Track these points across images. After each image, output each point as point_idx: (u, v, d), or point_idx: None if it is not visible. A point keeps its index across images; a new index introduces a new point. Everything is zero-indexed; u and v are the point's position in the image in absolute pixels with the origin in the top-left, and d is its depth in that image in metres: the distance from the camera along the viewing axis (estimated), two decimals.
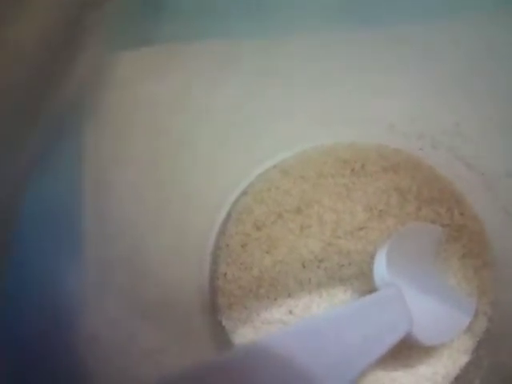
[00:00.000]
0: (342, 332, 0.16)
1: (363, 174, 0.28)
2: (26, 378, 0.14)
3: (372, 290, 0.25)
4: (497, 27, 0.20)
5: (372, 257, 0.25)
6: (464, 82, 0.23)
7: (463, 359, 0.26)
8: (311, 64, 0.24)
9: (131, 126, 0.21)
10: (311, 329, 0.16)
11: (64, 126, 0.18)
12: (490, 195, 0.25)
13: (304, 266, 0.27)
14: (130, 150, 0.22)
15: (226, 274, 0.28)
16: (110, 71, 0.19)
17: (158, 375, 0.12)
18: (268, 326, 0.26)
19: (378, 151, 0.29)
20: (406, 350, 0.25)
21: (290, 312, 0.27)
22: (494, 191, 0.25)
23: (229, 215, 0.29)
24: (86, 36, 0.16)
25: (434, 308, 0.24)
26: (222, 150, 0.26)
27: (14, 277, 0.15)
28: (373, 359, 0.17)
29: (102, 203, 0.20)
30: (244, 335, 0.27)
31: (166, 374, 0.12)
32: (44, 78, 0.15)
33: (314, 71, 0.24)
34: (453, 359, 0.25)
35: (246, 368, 0.13)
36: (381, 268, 0.23)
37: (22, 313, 0.15)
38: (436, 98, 0.24)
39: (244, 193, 0.29)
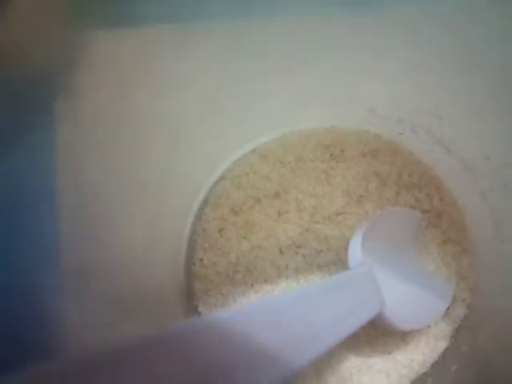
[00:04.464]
0: (308, 309, 0.16)
1: (342, 158, 0.28)
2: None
3: None
4: (485, 11, 0.19)
5: None
6: (444, 65, 0.22)
7: (441, 345, 0.25)
8: (290, 45, 0.23)
9: (105, 107, 0.21)
10: (276, 304, 0.15)
11: (36, 104, 0.17)
12: (470, 179, 0.25)
13: (281, 252, 0.27)
14: (104, 133, 0.21)
15: (202, 260, 0.27)
16: (83, 50, 0.19)
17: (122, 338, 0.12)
18: None
19: (357, 136, 0.28)
20: (383, 337, 0.25)
21: None
22: (473, 175, 0.25)
23: (206, 200, 0.28)
24: None
25: (410, 292, 0.24)
26: (199, 134, 0.26)
27: None
28: (340, 338, 0.16)
29: (76, 190, 0.19)
30: None
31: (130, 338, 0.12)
32: None
33: (293, 52, 0.24)
34: (430, 346, 0.25)
35: (206, 340, 0.13)
36: (355, 248, 0.22)
37: None
38: (415, 80, 0.24)
39: (222, 177, 0.28)
